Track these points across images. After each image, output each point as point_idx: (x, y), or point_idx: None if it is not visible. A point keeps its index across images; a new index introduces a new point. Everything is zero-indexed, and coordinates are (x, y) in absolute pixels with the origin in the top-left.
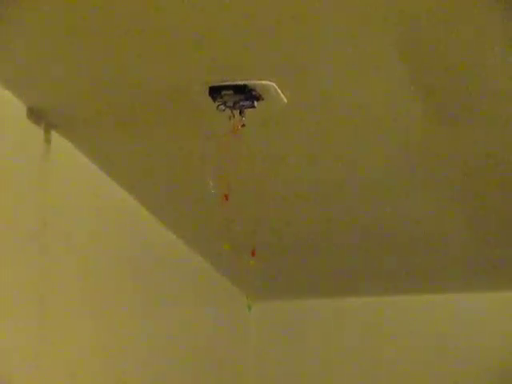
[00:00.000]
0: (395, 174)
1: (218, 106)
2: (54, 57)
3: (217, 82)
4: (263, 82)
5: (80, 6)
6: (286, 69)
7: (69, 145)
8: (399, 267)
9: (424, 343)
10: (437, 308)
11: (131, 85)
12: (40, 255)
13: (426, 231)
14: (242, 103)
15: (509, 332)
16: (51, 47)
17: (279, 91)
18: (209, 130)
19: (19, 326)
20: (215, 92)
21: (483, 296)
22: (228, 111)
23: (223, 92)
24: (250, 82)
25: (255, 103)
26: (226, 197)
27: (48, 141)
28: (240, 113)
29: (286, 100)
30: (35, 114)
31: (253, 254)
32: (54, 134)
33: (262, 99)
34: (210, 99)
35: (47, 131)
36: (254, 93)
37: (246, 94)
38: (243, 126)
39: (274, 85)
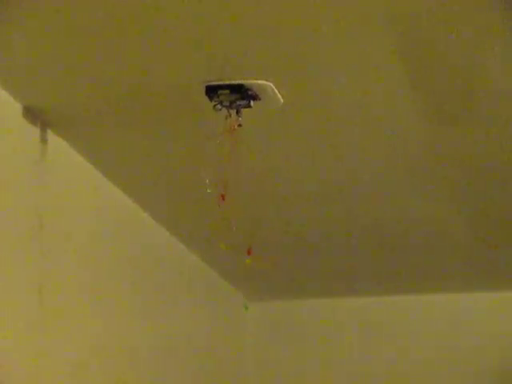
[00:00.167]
0: (395, 174)
1: (215, 105)
2: (50, 56)
3: (213, 81)
4: (260, 82)
5: (76, 6)
6: (283, 69)
7: (65, 144)
8: (399, 267)
9: (424, 343)
10: (437, 308)
11: (127, 84)
12: (38, 254)
13: (425, 231)
14: (238, 103)
15: (509, 332)
16: (47, 47)
17: (276, 91)
18: (205, 130)
19: (19, 326)
20: (212, 91)
21: (483, 296)
22: (224, 111)
23: (220, 91)
24: (247, 82)
25: (252, 103)
26: (223, 196)
27: (44, 140)
28: (237, 112)
29: (282, 100)
30: (31, 114)
31: (249, 252)
32: (50, 134)
33: (259, 99)
34: (206, 99)
35: (43, 130)
36: (250, 92)
37: (242, 94)
38: (240, 125)
39: (271, 84)
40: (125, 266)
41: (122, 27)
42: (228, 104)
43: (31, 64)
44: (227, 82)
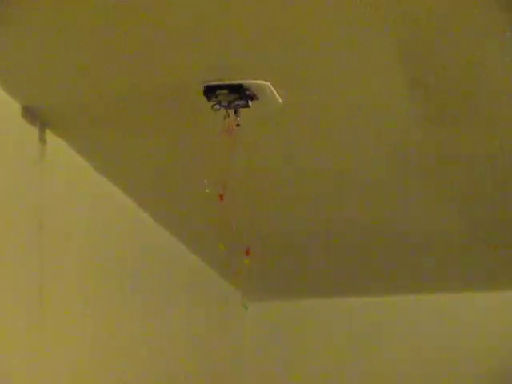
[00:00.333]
0: (395, 173)
1: (213, 105)
2: (50, 56)
3: (212, 81)
4: (258, 82)
5: (76, 6)
6: (281, 69)
7: (64, 144)
8: (399, 267)
9: (424, 343)
10: (437, 308)
11: (126, 85)
12: (38, 254)
13: (425, 231)
14: (236, 103)
15: (509, 332)
16: (47, 47)
17: (274, 91)
18: (204, 130)
19: (19, 326)
20: (210, 91)
21: (483, 296)
22: (223, 111)
23: (218, 91)
24: (245, 82)
25: (250, 103)
26: (222, 196)
27: (43, 140)
28: (235, 112)
29: (280, 100)
30: (30, 114)
31: (247, 253)
32: (49, 134)
33: (257, 99)
34: (204, 99)
35: (42, 131)
36: (248, 92)
37: (240, 94)
38: (238, 125)
39: (269, 85)
40: (124, 265)
41: (121, 27)
42: (226, 104)
43: (31, 64)
44: (225, 82)
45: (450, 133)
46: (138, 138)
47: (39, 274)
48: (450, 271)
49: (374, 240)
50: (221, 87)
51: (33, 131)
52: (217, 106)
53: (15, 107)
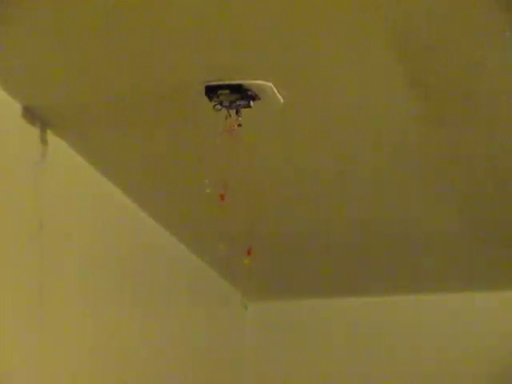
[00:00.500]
0: (395, 174)
1: (215, 105)
2: (50, 56)
3: (213, 81)
4: (259, 82)
5: (76, 6)
6: (283, 69)
7: (64, 144)
8: (399, 267)
9: (424, 343)
10: (437, 308)
11: (127, 85)
12: (38, 254)
13: (425, 231)
14: (238, 103)
15: (509, 332)
16: (47, 47)
17: (276, 91)
18: (205, 130)
19: (19, 326)
20: (211, 91)
21: (483, 296)
22: (224, 111)
23: (219, 91)
24: (247, 82)
25: (251, 103)
26: (222, 197)
27: (44, 140)
28: (236, 112)
29: (282, 100)
30: (31, 114)
31: (248, 253)
32: (50, 134)
33: (259, 99)
34: (206, 99)
35: (43, 131)
36: (250, 92)
37: (242, 94)
38: (239, 125)
39: (271, 85)
40: (124, 265)
41: (121, 27)
42: (228, 104)
43: (31, 64)
44: (227, 82)
45: (449, 133)
46: (139, 138)
47: (39, 274)
48: (450, 271)
49: (374, 240)
50: (222, 87)
51: (33, 131)
52: (218, 106)
53: (15, 107)
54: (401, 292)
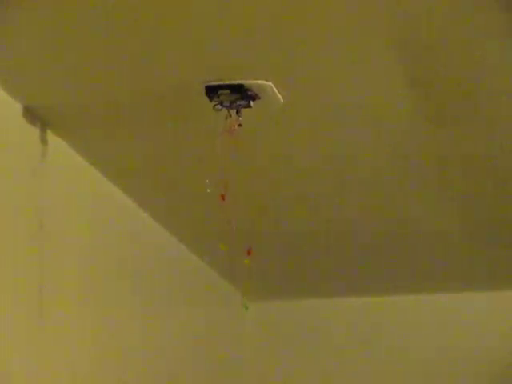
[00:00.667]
0: (395, 173)
1: (215, 105)
2: (50, 56)
3: (213, 81)
4: (260, 82)
5: (76, 6)
6: (283, 69)
7: (65, 144)
8: (399, 267)
9: (424, 343)
10: (437, 308)
11: (127, 85)
12: (38, 254)
13: (426, 231)
14: (238, 103)
15: (509, 332)
16: (47, 47)
17: (276, 91)
18: (205, 130)
19: (19, 326)
20: (212, 91)
21: (483, 296)
22: (224, 111)
23: (220, 91)
24: (247, 82)
25: (252, 103)
26: (223, 197)
27: (44, 140)
28: (236, 112)
29: (282, 100)
30: (31, 114)
31: (249, 252)
32: (50, 134)
33: (259, 99)
34: (206, 99)
35: (43, 131)
36: (250, 92)
37: (242, 94)
38: (240, 125)
39: (271, 84)
40: (124, 265)
41: (121, 27)
42: (228, 104)
43: (31, 64)
44: (227, 82)
45: (449, 133)
46: (139, 138)
47: (39, 274)
48: (450, 271)
49: (374, 240)
50: (222, 87)
51: (33, 131)
52: (218, 106)
53: (16, 107)
54: (401, 292)
